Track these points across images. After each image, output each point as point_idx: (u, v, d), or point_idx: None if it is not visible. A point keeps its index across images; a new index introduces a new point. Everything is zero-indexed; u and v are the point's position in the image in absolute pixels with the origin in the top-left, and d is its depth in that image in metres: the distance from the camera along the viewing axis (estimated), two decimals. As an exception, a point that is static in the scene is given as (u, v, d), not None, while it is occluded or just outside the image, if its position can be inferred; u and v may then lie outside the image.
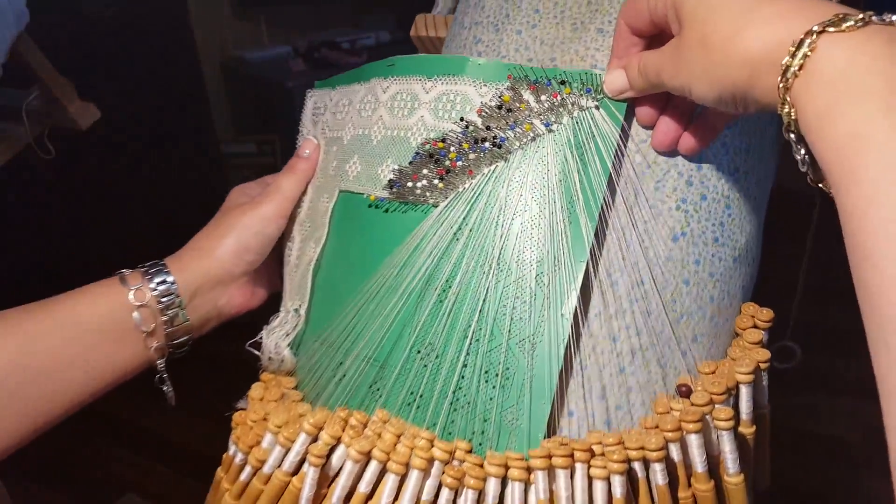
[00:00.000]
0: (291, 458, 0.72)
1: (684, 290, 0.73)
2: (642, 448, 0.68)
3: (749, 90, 0.56)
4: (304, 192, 0.87)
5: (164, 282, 0.82)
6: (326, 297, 0.81)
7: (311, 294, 0.83)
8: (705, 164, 0.74)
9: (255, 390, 0.82)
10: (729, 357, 0.77)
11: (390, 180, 0.76)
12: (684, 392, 0.72)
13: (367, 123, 0.81)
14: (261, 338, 0.84)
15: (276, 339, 0.83)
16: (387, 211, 0.77)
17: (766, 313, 0.78)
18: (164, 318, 0.82)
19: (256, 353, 0.84)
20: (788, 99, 0.52)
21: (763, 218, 0.81)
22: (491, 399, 0.70)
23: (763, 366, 0.76)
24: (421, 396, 0.71)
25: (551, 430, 0.70)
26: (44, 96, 1.25)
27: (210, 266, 0.84)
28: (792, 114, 0.53)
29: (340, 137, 0.84)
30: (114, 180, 0.79)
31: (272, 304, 0.89)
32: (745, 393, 0.74)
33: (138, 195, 0.74)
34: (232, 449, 0.78)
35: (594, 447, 0.68)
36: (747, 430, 0.76)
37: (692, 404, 0.70)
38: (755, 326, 0.78)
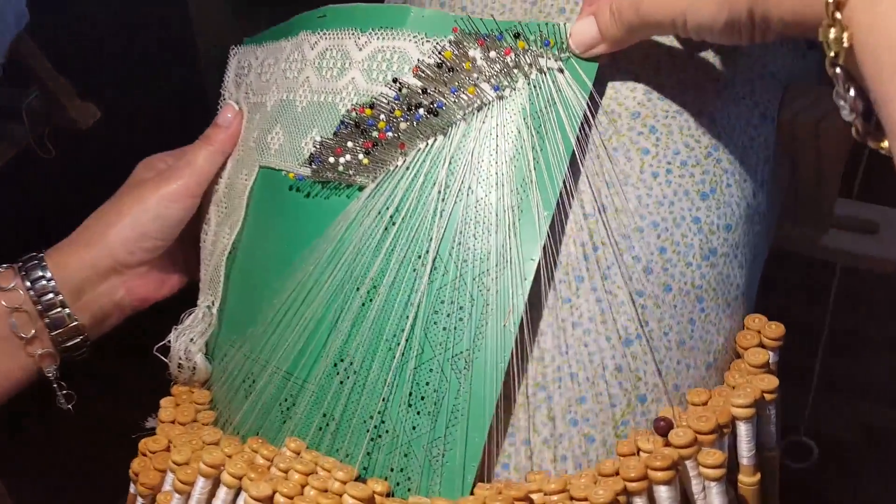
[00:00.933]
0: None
1: (666, 299, 0.59)
2: (587, 500, 0.54)
3: (774, 7, 0.45)
4: (223, 167, 0.74)
5: (40, 279, 0.69)
6: (242, 292, 0.68)
7: (224, 288, 0.70)
8: (687, 147, 0.61)
9: (165, 409, 0.68)
10: (727, 384, 0.62)
11: (311, 154, 0.63)
12: (662, 427, 0.58)
13: (292, 86, 0.67)
14: (169, 341, 0.70)
15: (185, 342, 0.69)
16: (308, 195, 0.64)
17: (774, 329, 0.63)
18: (46, 320, 0.69)
19: (165, 359, 0.70)
20: (840, 17, 0.40)
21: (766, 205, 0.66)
22: (414, 428, 0.56)
23: (769, 397, 0.61)
24: (335, 421, 0.58)
25: (486, 470, 0.56)
26: (43, 96, 1.22)
27: (97, 256, 0.71)
28: (844, 39, 0.40)
29: (264, 103, 0.70)
30: (114, 180, 0.74)
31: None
32: (744, 432, 0.60)
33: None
34: (132, 488, 0.65)
35: (533, 496, 0.54)
36: (748, 479, 0.61)
37: (668, 444, 0.56)
38: (761, 345, 0.63)
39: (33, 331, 0.69)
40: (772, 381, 0.60)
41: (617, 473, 0.55)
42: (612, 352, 0.58)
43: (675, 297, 0.59)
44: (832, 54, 0.41)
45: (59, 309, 0.69)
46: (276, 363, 0.61)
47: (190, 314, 0.72)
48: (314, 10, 0.68)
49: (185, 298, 0.76)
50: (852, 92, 0.42)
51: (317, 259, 0.61)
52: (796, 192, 0.70)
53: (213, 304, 0.70)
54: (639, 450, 0.57)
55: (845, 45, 0.41)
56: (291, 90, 0.67)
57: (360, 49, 0.64)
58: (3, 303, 0.68)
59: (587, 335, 0.58)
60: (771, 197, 0.66)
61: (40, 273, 0.69)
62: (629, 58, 0.60)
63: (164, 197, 0.71)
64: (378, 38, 0.63)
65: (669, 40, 0.61)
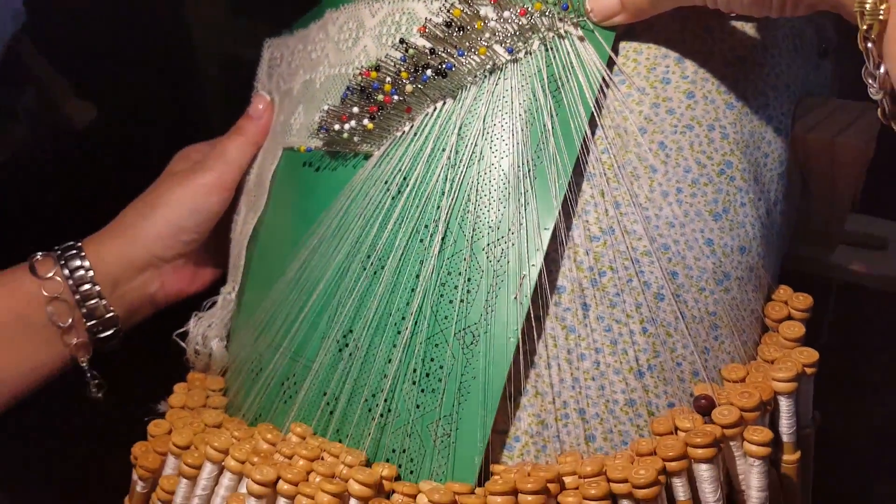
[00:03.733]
0: (199, 493, 0.56)
1: (678, 328, 0.54)
2: (627, 481, 0.50)
3: None
4: (255, 158, 0.71)
5: (79, 268, 0.67)
6: (259, 276, 0.66)
7: (244, 273, 0.67)
8: (699, 164, 0.56)
9: (176, 395, 0.66)
10: (760, 358, 0.57)
11: (319, 124, 0.60)
12: (704, 406, 0.54)
13: (315, 66, 0.65)
14: (189, 328, 0.68)
15: (202, 328, 0.67)
16: (318, 169, 0.61)
17: (802, 300, 0.59)
18: (83, 310, 0.68)
19: (184, 344, 0.68)
20: None
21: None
22: (418, 407, 0.52)
23: (809, 371, 0.56)
24: (339, 402, 0.55)
25: (492, 452, 0.52)
26: (39, 95, 1.23)
27: (134, 250, 0.69)
28: (881, 11, 0.39)
29: (292, 88, 0.68)
30: (110, 179, 0.73)
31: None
32: (785, 407, 0.56)
33: (135, 194, 0.68)
34: (134, 474, 0.63)
35: (566, 479, 0.50)
36: (789, 456, 0.57)
37: (714, 423, 0.52)
38: (789, 317, 0.59)
39: (70, 320, 0.67)
40: (811, 355, 0.56)
41: (654, 453, 0.51)
42: (623, 385, 0.53)
43: (689, 325, 0.54)
44: (865, 27, 0.40)
45: (96, 299, 0.68)
46: (284, 344, 0.58)
47: (210, 301, 0.70)
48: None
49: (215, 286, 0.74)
50: (882, 69, 0.40)
51: (323, 234, 0.58)
52: (806, 208, 0.65)
53: (232, 290, 0.68)
54: (676, 428, 0.53)
55: (881, 17, 0.39)
56: (314, 69, 0.65)
57: (373, 16, 0.61)
58: (44, 291, 0.66)
59: (595, 368, 0.53)
60: (785, 216, 0.61)
61: (79, 262, 0.68)
62: (634, 68, 0.56)
63: (198, 190, 0.69)
64: (390, 1, 0.60)
65: (676, 48, 0.56)
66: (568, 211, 0.53)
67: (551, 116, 0.54)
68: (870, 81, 0.41)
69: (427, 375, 0.52)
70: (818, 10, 0.46)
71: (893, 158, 0.62)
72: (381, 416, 0.53)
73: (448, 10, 0.55)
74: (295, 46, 0.69)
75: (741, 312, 0.57)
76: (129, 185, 0.73)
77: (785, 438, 0.56)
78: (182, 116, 0.92)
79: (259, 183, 0.69)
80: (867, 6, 0.39)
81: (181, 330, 0.69)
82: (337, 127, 0.58)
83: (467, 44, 0.55)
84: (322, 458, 0.53)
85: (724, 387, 0.56)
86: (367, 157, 0.58)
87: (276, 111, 0.70)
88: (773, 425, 0.56)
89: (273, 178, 0.66)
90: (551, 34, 0.55)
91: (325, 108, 0.59)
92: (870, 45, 0.40)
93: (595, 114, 0.54)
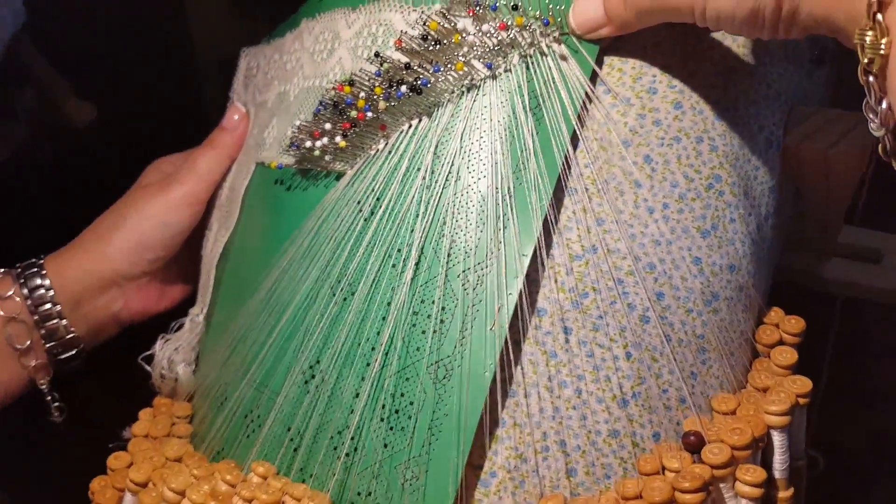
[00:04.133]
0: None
1: (664, 352, 0.52)
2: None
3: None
4: (228, 171, 0.68)
5: (39, 287, 0.64)
6: (228, 297, 0.63)
7: (214, 294, 0.64)
8: (686, 178, 0.53)
9: (140, 423, 0.63)
10: (751, 385, 0.55)
11: (290, 140, 0.57)
12: (693, 444, 0.51)
13: (289, 77, 0.62)
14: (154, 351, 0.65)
15: (169, 352, 0.64)
16: (289, 188, 0.58)
17: (795, 323, 0.57)
18: (42, 331, 0.65)
19: (149, 368, 0.65)
20: (881, 20, 0.37)
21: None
22: (386, 446, 0.49)
23: (802, 402, 0.54)
24: (303, 438, 0.52)
25: (466, 490, 0.49)
26: (40, 95, 1.22)
27: (98, 267, 0.66)
28: (882, 45, 0.37)
29: (266, 100, 0.65)
30: (110, 179, 0.72)
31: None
32: (778, 442, 0.53)
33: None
34: None
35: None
36: (782, 493, 0.54)
37: (704, 462, 0.50)
38: (781, 342, 0.56)
39: (29, 342, 0.65)
40: (805, 384, 0.54)
41: (640, 496, 0.48)
42: (606, 415, 0.50)
43: (675, 348, 0.52)
44: (866, 60, 0.38)
45: (56, 320, 0.65)
46: (249, 373, 0.55)
47: (179, 322, 0.67)
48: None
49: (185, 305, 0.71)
50: (885, 104, 0.38)
51: (293, 256, 0.55)
52: (799, 220, 0.63)
53: (200, 312, 0.65)
54: (664, 468, 0.50)
55: (883, 51, 0.37)
56: (289, 81, 0.62)
57: (350, 26, 0.58)
58: (1, 311, 0.64)
59: (577, 396, 0.50)
60: (776, 230, 0.58)
61: (39, 281, 0.65)
62: (619, 78, 0.53)
63: (168, 203, 0.66)
64: (366, 12, 0.57)
65: (664, 57, 0.54)
66: (549, 229, 0.50)
67: (532, 135, 0.51)
68: (871, 116, 0.39)
69: (397, 412, 0.49)
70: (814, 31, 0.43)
71: (887, 170, 0.60)
72: (348, 455, 0.50)
73: (424, 23, 0.52)
74: (271, 56, 0.66)
75: (730, 335, 0.54)
76: (128, 186, 0.71)
77: (777, 475, 0.54)
78: (182, 117, 0.90)
79: (232, 198, 0.66)
80: (867, 39, 0.37)
81: (146, 353, 0.66)
82: (308, 144, 0.56)
83: (444, 58, 0.52)
84: (283, 503, 0.50)
85: (713, 419, 0.53)
86: (340, 176, 0.55)
87: (251, 123, 0.67)
88: (765, 460, 0.53)
89: (246, 193, 0.64)
90: (532, 50, 0.52)
91: (297, 123, 0.57)
92: (871, 78, 0.38)
93: (577, 129, 0.51)
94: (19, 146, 0.85)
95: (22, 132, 0.89)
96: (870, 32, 0.37)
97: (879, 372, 0.80)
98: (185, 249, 0.69)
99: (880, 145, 0.40)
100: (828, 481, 0.63)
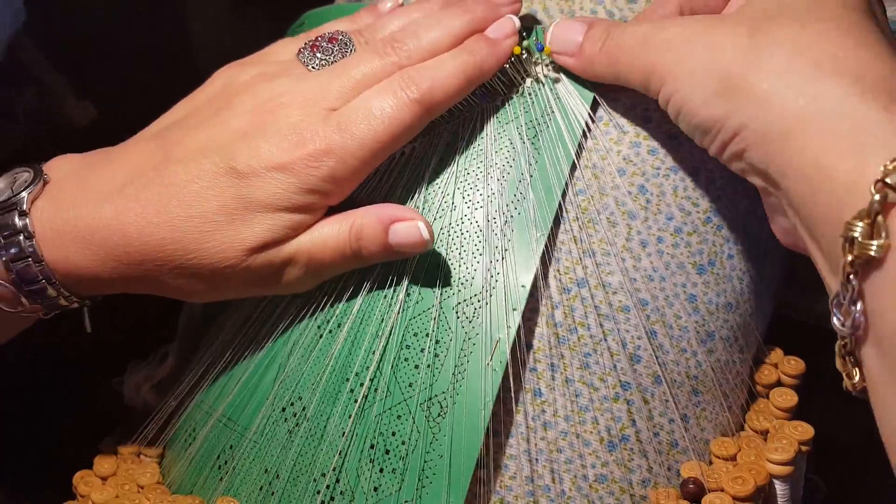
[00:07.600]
0: None
1: (656, 393, 0.50)
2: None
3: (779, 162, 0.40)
4: None
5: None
6: (206, 319, 0.59)
7: (188, 316, 0.61)
8: (682, 211, 0.51)
9: (102, 462, 0.58)
10: (749, 427, 0.53)
11: None
12: (692, 492, 0.49)
13: None
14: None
15: (137, 379, 0.60)
16: None
17: (794, 365, 0.55)
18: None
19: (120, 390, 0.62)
20: (881, 221, 0.33)
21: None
22: (376, 490, 0.46)
23: (804, 448, 0.52)
24: (280, 479, 0.48)
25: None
26: (40, 95, 1.21)
27: None
28: (873, 247, 0.33)
29: None
30: None
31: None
32: (781, 491, 0.51)
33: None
34: None
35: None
36: (782, 544, 0.52)
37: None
38: (779, 383, 0.55)
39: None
40: (807, 431, 0.52)
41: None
42: (594, 459, 0.48)
43: (667, 390, 0.50)
44: (850, 258, 0.33)
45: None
46: (221, 407, 0.52)
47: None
48: (296, 21, 0.62)
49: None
50: (860, 305, 0.34)
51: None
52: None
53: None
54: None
55: (872, 254, 0.32)
56: None
57: None
58: None
59: (563, 438, 0.48)
60: (776, 266, 0.57)
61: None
62: (613, 104, 0.51)
63: None
64: None
65: None
66: (545, 261, 0.48)
67: (529, 165, 0.49)
68: (838, 319, 0.35)
69: (387, 452, 0.46)
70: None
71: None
72: (332, 499, 0.47)
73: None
74: None
75: (726, 375, 0.52)
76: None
77: (777, 524, 0.52)
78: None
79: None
80: (856, 232, 0.33)
81: (117, 379, 0.62)
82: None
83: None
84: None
85: (712, 465, 0.51)
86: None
87: None
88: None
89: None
90: (529, 80, 0.51)
91: None
92: (852, 278, 0.34)
93: (575, 159, 0.49)
94: (19, 146, 0.83)
95: (22, 132, 0.88)
96: (860, 224, 0.33)
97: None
98: None
99: (844, 375, 0.37)
100: (823, 476, 0.62)
